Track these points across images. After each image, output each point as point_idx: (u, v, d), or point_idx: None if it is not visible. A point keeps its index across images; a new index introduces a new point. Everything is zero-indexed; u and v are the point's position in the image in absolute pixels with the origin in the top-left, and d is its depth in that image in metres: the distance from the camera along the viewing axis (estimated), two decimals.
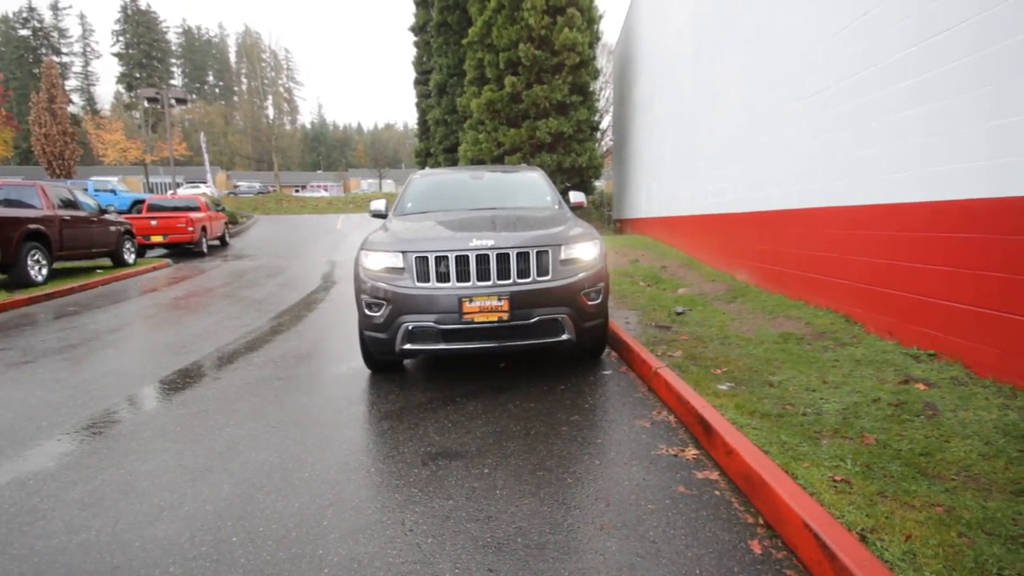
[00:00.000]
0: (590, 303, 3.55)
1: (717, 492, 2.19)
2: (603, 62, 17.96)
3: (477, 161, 15.28)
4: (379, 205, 4.90)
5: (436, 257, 3.39)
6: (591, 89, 14.94)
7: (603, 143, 21.73)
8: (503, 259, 3.39)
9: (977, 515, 1.81)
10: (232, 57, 73.11)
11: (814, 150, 4.82)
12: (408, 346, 3.42)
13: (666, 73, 10.42)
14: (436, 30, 17.77)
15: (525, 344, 3.48)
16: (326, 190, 48.90)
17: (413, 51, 22.68)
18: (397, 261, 3.47)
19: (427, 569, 1.77)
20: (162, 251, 14.28)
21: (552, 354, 4.35)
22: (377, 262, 3.54)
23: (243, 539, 1.97)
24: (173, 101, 20.11)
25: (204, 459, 2.67)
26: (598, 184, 19.34)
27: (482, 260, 3.37)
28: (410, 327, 3.37)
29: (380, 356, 3.75)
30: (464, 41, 15.75)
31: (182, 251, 14.28)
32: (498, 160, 14.88)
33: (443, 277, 3.37)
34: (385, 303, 3.42)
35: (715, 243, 7.53)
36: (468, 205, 4.69)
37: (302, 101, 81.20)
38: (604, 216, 18.76)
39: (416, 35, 21.85)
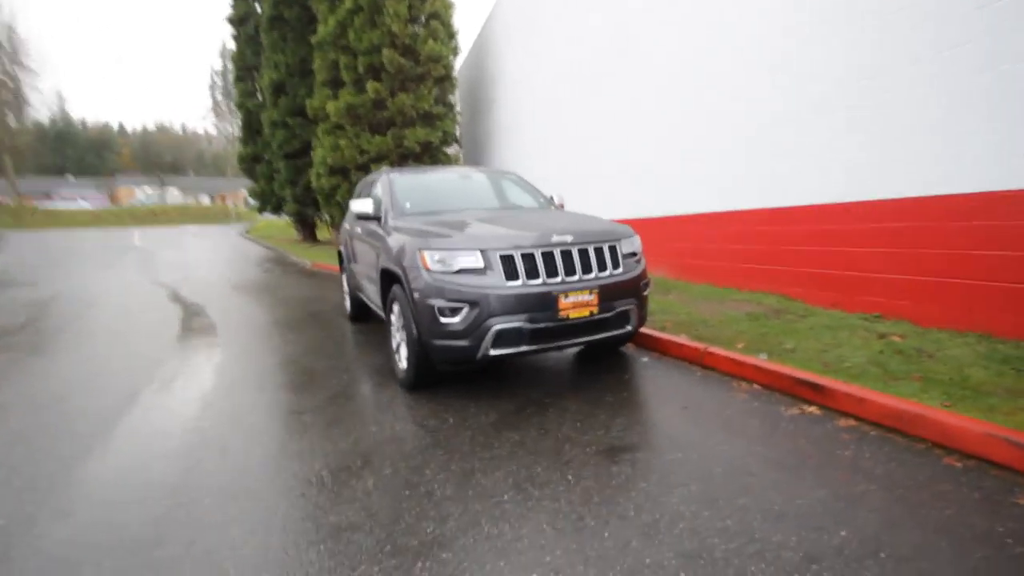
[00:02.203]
0: (645, 294, 3.77)
1: (873, 432, 2.62)
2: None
3: (339, 168, 14.17)
4: (366, 207, 4.36)
5: (522, 254, 3.22)
6: (453, 102, 15.14)
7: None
8: (583, 253, 3.40)
9: None
10: None
11: (744, 168, 5.84)
12: (494, 351, 3.17)
13: (547, 104, 10.97)
14: (269, 24, 15.86)
15: (601, 338, 3.52)
16: (85, 200, 39.11)
17: (232, 44, 19.83)
18: (475, 260, 3.20)
19: (772, 542, 1.79)
20: None
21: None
22: (450, 262, 3.20)
23: None
24: None
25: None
26: None
27: (566, 255, 3.33)
28: (499, 329, 3.13)
29: (450, 367, 3.38)
30: (313, 39, 14.49)
31: None
32: (363, 168, 14.03)
33: (531, 274, 3.23)
34: (467, 306, 3.12)
35: None
36: (475, 204, 4.52)
37: (34, 92, 63.42)
38: None
39: (236, 27, 19.12)
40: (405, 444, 2.76)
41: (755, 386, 3.39)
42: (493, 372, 3.93)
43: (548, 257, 3.28)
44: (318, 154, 14.25)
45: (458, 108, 15.32)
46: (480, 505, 2.12)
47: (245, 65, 19.33)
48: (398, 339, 3.77)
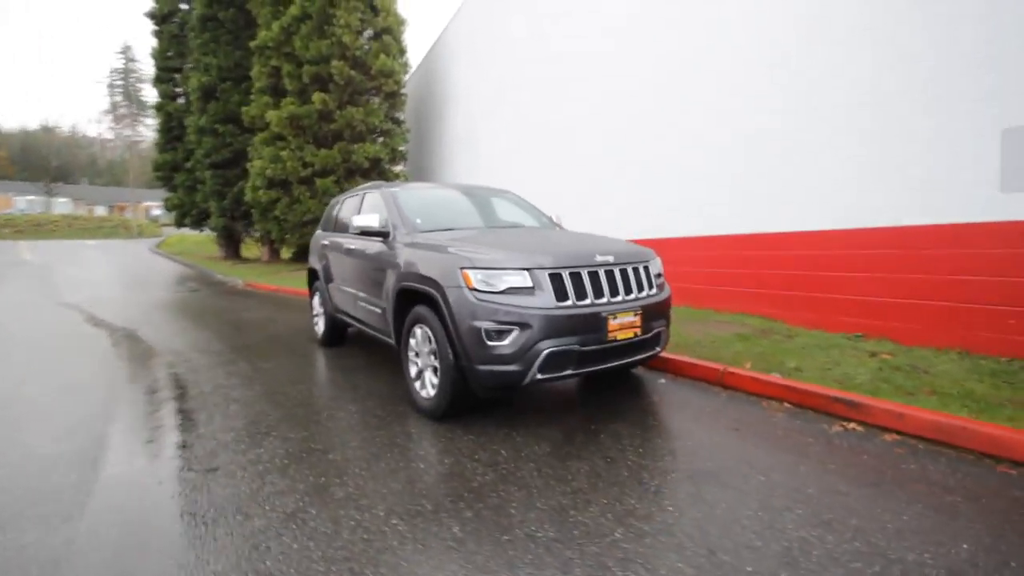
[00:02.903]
0: (670, 314, 3.79)
1: (922, 446, 2.76)
2: None
3: (280, 181, 13.31)
4: (371, 221, 4.06)
5: (570, 273, 3.12)
6: (402, 118, 14.85)
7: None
8: (624, 274, 3.36)
9: None
10: None
11: (727, 196, 6.15)
12: (541, 375, 3.02)
13: (509, 122, 11.09)
14: (201, 24, 14.69)
15: (636, 360, 3.48)
16: None
17: (137, 41, 18.22)
18: (523, 279, 3.05)
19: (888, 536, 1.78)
20: None
21: None
22: (495, 281, 3.03)
23: None
24: None
25: None
26: None
27: (609, 276, 3.27)
28: (550, 353, 2.99)
29: (493, 393, 3.18)
30: (253, 44, 13.67)
31: None
32: (307, 182, 13.30)
33: (581, 294, 3.13)
34: (517, 328, 2.96)
35: None
36: (482, 222, 4.40)
37: None
38: None
39: (158, 24, 17.48)
40: (469, 481, 2.51)
41: (785, 404, 3.49)
42: (508, 398, 3.75)
43: (594, 277, 3.21)
44: (256, 165, 13.32)
45: (406, 125, 15.00)
46: (595, 547, 1.96)
47: (167, 65, 17.76)
48: (420, 364, 3.50)
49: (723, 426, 3.16)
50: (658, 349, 3.63)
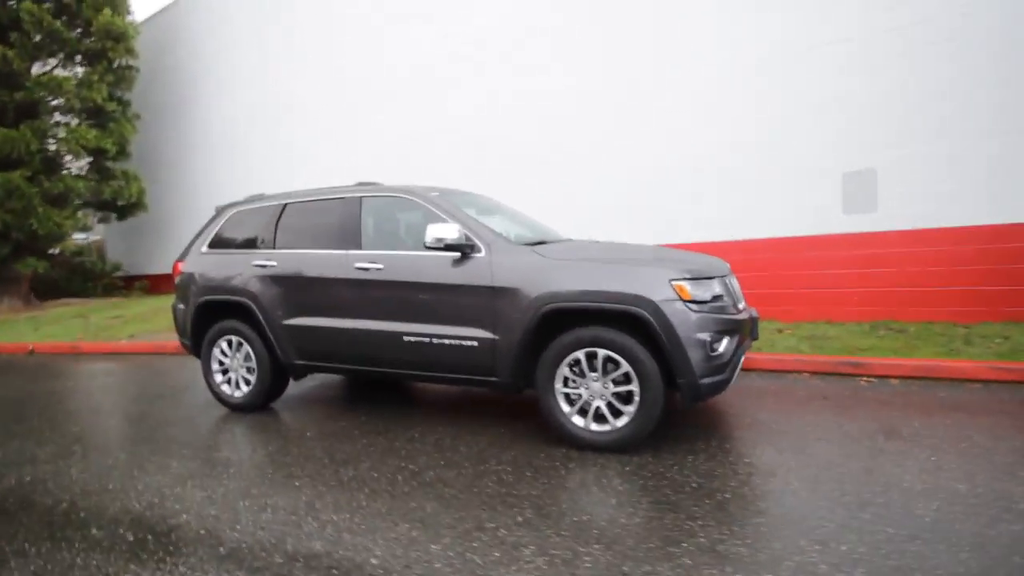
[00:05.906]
0: None
1: (917, 387, 4.03)
2: None
3: None
4: (451, 233, 3.24)
5: (729, 280, 3.32)
6: (128, 99, 11.07)
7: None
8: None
9: None
10: None
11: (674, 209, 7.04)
12: (733, 381, 3.13)
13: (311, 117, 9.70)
14: None
15: None
16: None
17: None
18: (715, 287, 3.08)
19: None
20: None
21: None
22: (706, 291, 2.99)
23: None
24: None
25: None
26: (82, 236, 13.80)
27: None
28: (742, 356, 3.14)
29: (700, 401, 3.02)
30: None
31: None
32: None
33: (740, 300, 3.35)
34: (728, 336, 3.01)
35: None
36: (542, 234, 4.03)
37: None
38: (105, 272, 13.18)
39: None
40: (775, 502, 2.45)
41: (804, 375, 4.46)
42: None
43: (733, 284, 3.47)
44: None
45: (134, 109, 11.23)
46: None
47: None
48: (584, 396, 3.03)
49: (812, 399, 3.86)
50: None
